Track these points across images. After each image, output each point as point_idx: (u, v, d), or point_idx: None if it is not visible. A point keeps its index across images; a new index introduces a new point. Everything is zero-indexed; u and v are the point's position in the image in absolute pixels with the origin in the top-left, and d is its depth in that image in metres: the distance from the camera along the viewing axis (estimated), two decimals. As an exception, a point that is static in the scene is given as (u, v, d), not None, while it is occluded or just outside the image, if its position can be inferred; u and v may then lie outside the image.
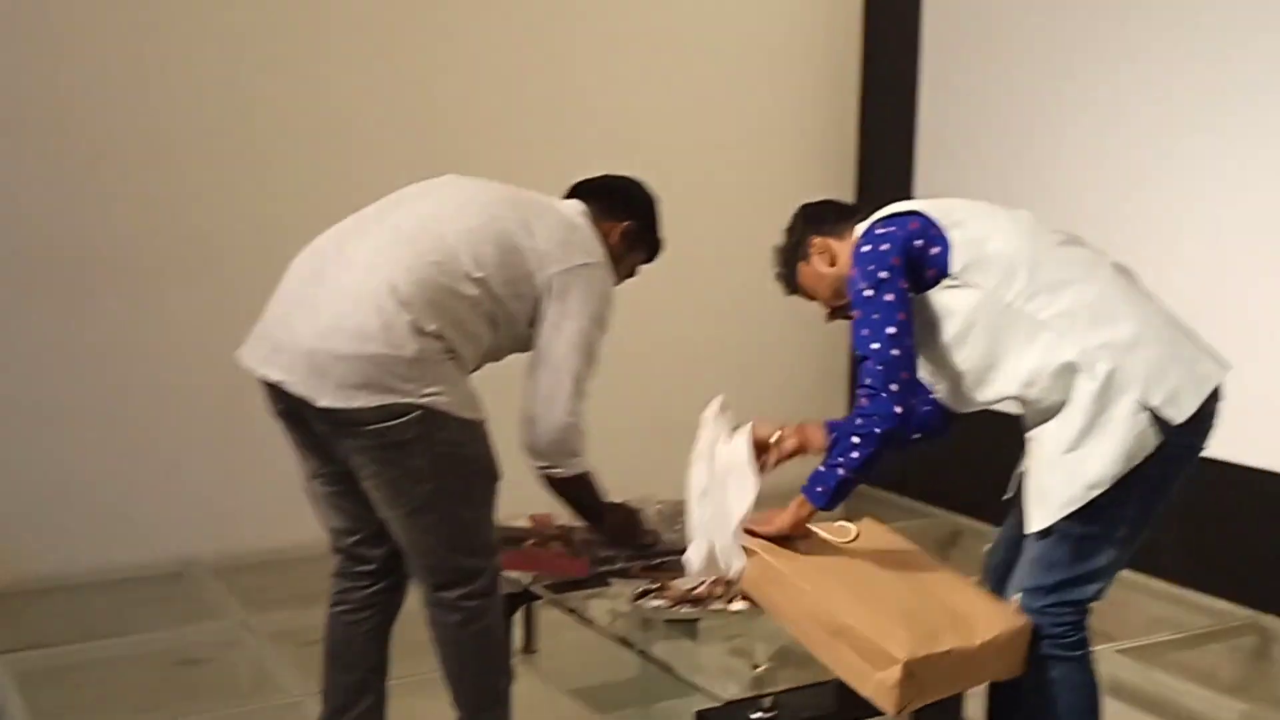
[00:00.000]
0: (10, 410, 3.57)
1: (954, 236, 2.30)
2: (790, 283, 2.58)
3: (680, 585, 2.69)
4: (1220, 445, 2.34)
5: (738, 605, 2.63)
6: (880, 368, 2.22)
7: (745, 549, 2.33)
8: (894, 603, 2.22)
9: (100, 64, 3.62)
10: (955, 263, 2.29)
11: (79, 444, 3.65)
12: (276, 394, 2.46)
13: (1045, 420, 2.29)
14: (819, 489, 2.29)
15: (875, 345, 2.23)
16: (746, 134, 4.54)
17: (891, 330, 2.23)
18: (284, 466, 3.67)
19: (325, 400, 2.36)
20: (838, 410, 4.75)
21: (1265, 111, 3.46)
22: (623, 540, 2.87)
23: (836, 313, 2.55)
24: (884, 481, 4.59)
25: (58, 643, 3.36)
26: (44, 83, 3.55)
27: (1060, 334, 2.25)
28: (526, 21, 4.16)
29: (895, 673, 2.08)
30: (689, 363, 4.56)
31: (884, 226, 2.34)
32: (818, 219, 2.54)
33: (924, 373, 2.40)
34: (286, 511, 3.76)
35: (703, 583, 2.68)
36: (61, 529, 3.64)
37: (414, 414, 2.37)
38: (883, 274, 2.26)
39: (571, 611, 2.76)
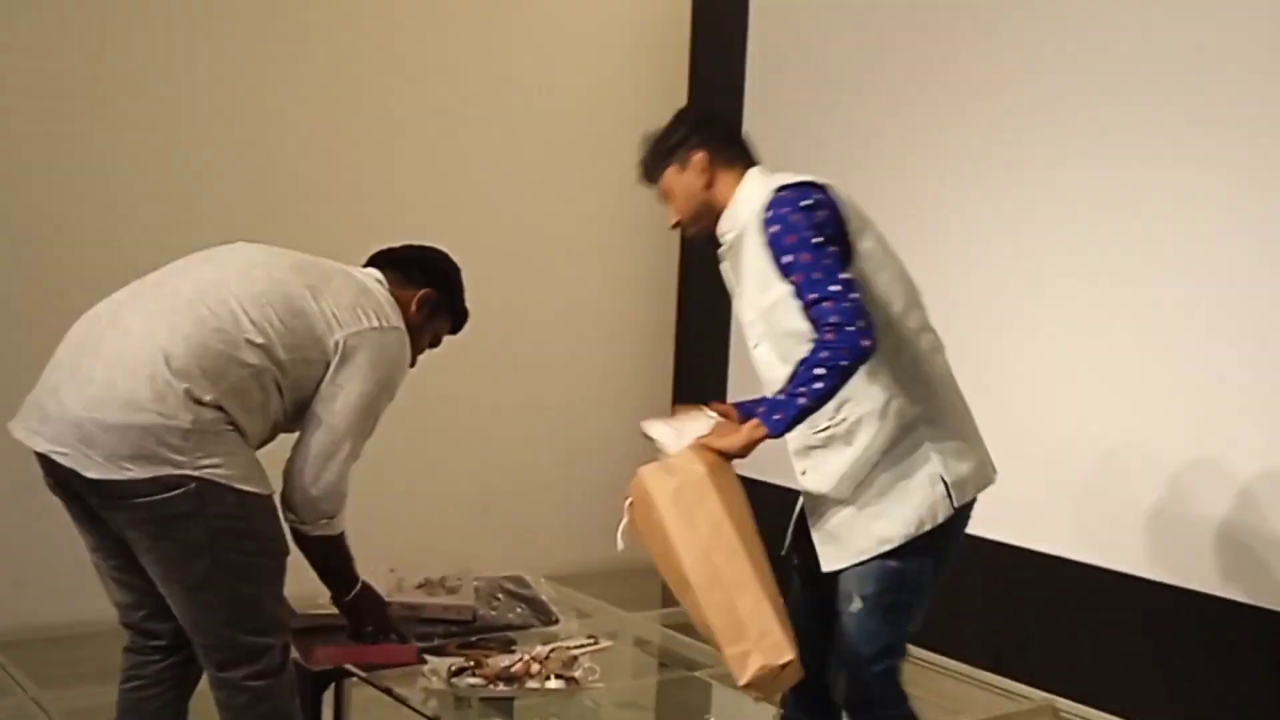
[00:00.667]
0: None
1: (862, 246, 2.37)
2: (652, 176, 2.53)
3: (496, 663, 2.67)
4: (1016, 531, 2.47)
5: (554, 684, 2.62)
6: (846, 305, 2.22)
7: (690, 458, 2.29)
8: (774, 587, 2.26)
9: None
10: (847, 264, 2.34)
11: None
12: (49, 465, 2.37)
13: (822, 448, 2.42)
14: (776, 416, 2.25)
15: (834, 288, 2.24)
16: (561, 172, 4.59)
17: (845, 277, 2.26)
18: (74, 537, 3.56)
19: (93, 472, 2.28)
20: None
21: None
22: (362, 617, 2.74)
23: (684, 227, 2.55)
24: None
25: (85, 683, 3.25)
26: None
27: (894, 378, 2.37)
28: (351, 53, 4.15)
29: (780, 661, 2.14)
30: (507, 435, 4.55)
31: (820, 192, 2.35)
32: (709, 134, 2.50)
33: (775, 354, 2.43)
34: (78, 585, 3.61)
35: (519, 660, 2.66)
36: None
37: (188, 486, 2.29)
38: (828, 232, 2.29)
39: (386, 691, 2.71)
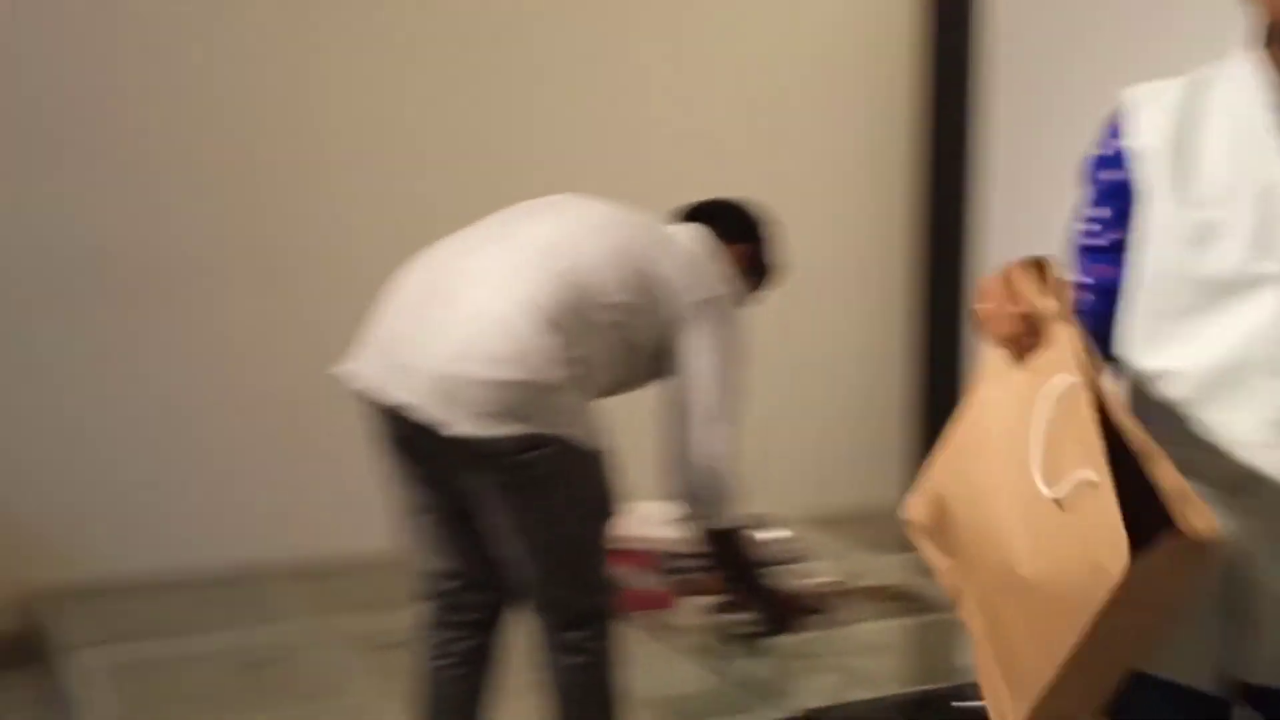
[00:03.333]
0: (92, 415, 3.65)
1: None
2: None
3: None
4: None
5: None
6: None
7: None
8: None
9: (166, 71, 3.68)
10: None
11: (149, 449, 3.73)
12: (394, 419, 2.30)
13: None
14: None
15: None
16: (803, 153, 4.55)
17: None
18: (350, 474, 3.77)
19: (456, 428, 2.20)
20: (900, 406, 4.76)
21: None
22: (777, 613, 2.62)
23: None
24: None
25: (128, 640, 3.42)
26: (107, 90, 3.62)
27: None
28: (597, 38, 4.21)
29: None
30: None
31: None
32: None
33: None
34: (351, 519, 3.84)
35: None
36: (139, 530, 3.71)
37: (551, 446, 2.23)
38: None
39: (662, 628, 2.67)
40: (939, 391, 4.62)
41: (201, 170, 3.73)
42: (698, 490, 2.39)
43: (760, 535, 3.06)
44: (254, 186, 3.80)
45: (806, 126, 4.51)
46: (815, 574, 2.89)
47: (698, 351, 2.37)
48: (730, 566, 2.54)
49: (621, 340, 2.35)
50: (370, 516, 3.71)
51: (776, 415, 4.51)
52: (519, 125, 4.08)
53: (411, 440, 2.31)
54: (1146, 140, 1.42)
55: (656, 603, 2.70)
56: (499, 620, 2.48)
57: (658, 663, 3.12)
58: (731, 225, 2.60)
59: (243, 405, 3.81)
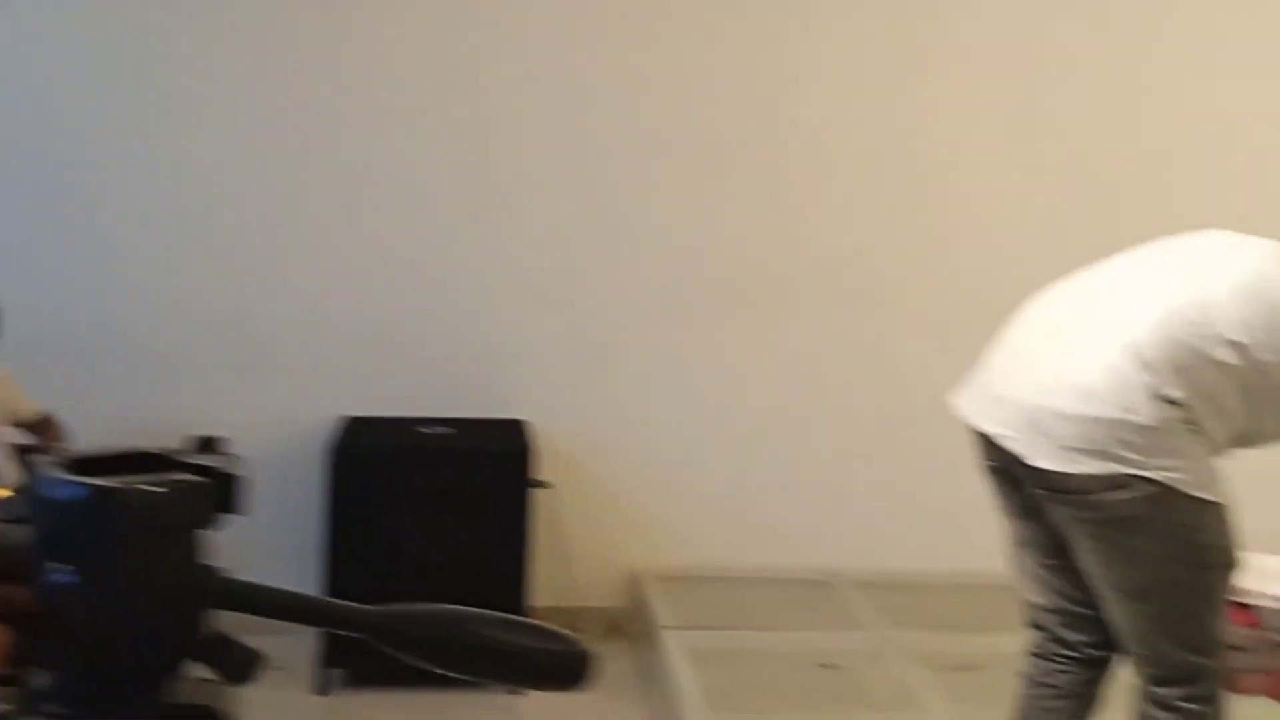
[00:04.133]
0: (687, 416, 3.97)
1: None
2: None
3: None
4: None
5: None
6: None
7: None
8: None
9: (782, 93, 3.90)
10: None
11: (747, 450, 3.99)
12: (989, 447, 2.31)
13: None
14: None
15: None
16: None
17: None
18: (939, 494, 3.83)
19: (1040, 460, 2.18)
20: None
21: None
22: None
23: None
24: None
25: (718, 626, 3.69)
26: (728, 116, 3.89)
27: None
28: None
29: None
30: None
31: None
32: None
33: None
34: (936, 537, 3.92)
35: None
36: (726, 525, 3.99)
37: (1141, 488, 2.13)
38: None
39: None
40: None
41: (842, 189, 3.94)
42: None
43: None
44: (856, 214, 3.96)
45: None
46: None
47: None
48: None
49: (1242, 384, 2.19)
50: (953, 538, 3.80)
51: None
52: (1171, 156, 3.95)
53: (1004, 470, 2.32)
54: None
55: None
56: (1106, 657, 2.41)
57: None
58: None
59: (842, 418, 3.99)
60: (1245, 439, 2.27)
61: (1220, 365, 2.17)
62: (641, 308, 3.92)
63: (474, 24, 3.78)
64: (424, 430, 3.66)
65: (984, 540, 3.66)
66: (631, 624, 3.89)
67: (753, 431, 3.97)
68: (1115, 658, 2.40)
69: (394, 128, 3.81)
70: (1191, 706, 2.25)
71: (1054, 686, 2.43)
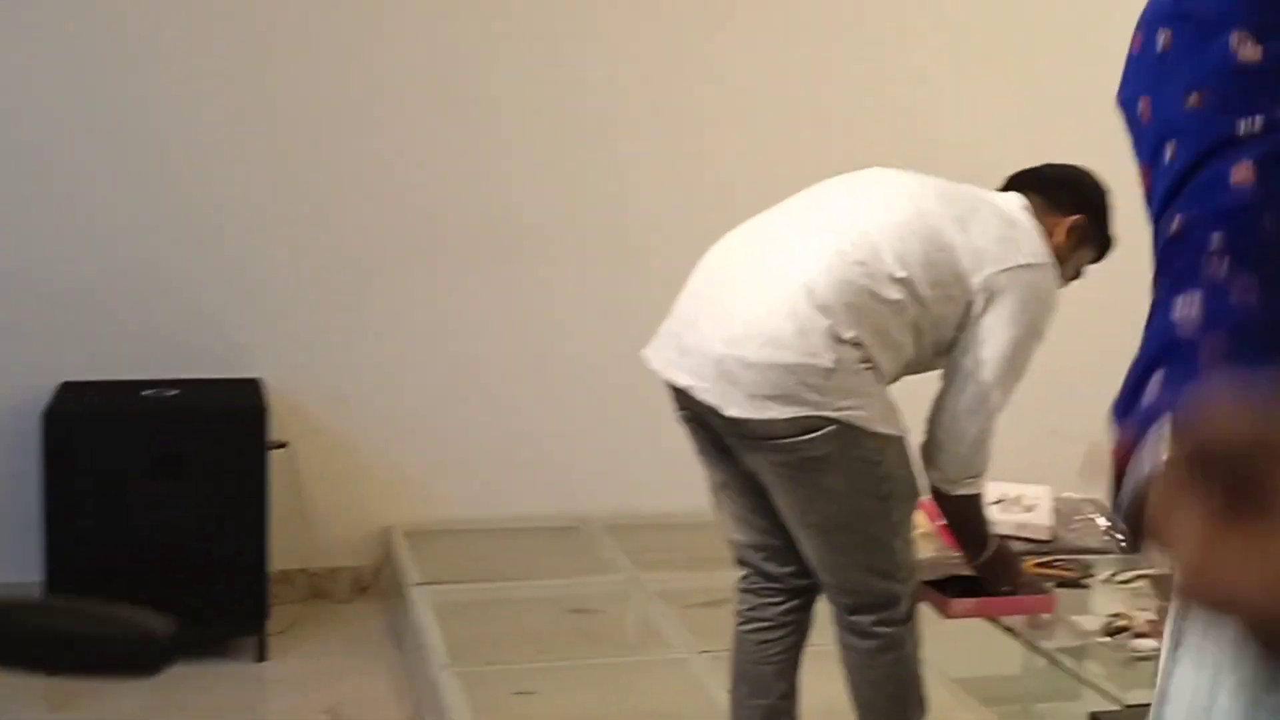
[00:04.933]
0: (431, 366, 3.90)
1: None
2: None
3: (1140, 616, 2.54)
4: None
5: None
6: None
7: None
8: None
9: (529, 45, 3.86)
10: None
11: (501, 402, 3.95)
12: (683, 398, 2.36)
13: None
14: None
15: None
16: None
17: None
18: (678, 434, 3.87)
19: (733, 410, 2.22)
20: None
21: None
22: (997, 576, 2.56)
23: None
24: None
25: (468, 580, 3.67)
26: (476, 63, 3.82)
27: None
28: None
29: None
30: (1076, 360, 4.37)
31: None
32: None
33: None
34: (676, 478, 3.96)
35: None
36: (478, 477, 3.95)
37: (829, 428, 2.20)
38: None
39: (1028, 644, 2.61)
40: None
41: (559, 144, 3.90)
42: (948, 462, 2.33)
43: (1095, 521, 2.97)
44: (608, 166, 3.95)
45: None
46: (1144, 564, 2.77)
47: (994, 322, 2.27)
48: (962, 533, 2.48)
49: (911, 319, 2.26)
50: (691, 478, 3.85)
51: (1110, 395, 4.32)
52: (852, 104, 4.06)
53: (698, 419, 2.36)
54: None
55: (1038, 607, 2.59)
56: (810, 585, 2.48)
57: (958, 638, 3.09)
58: (1061, 194, 2.45)
59: (582, 367, 3.98)
60: (910, 369, 2.36)
61: (888, 302, 2.23)
62: (379, 257, 3.81)
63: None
64: (147, 393, 3.48)
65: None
66: (381, 581, 3.83)
67: (496, 381, 3.94)
68: (818, 587, 2.47)
69: (97, 84, 3.59)
70: (887, 630, 2.34)
71: (764, 619, 2.48)
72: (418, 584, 3.49)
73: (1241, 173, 0.80)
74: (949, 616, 2.57)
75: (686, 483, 3.91)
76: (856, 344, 2.22)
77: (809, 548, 2.35)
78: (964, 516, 2.44)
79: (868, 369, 2.24)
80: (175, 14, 3.63)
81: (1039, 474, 3.00)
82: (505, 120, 3.85)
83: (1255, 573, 0.53)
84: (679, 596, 3.51)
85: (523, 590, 3.69)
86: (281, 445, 3.55)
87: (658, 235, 3.91)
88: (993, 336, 2.27)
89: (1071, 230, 2.43)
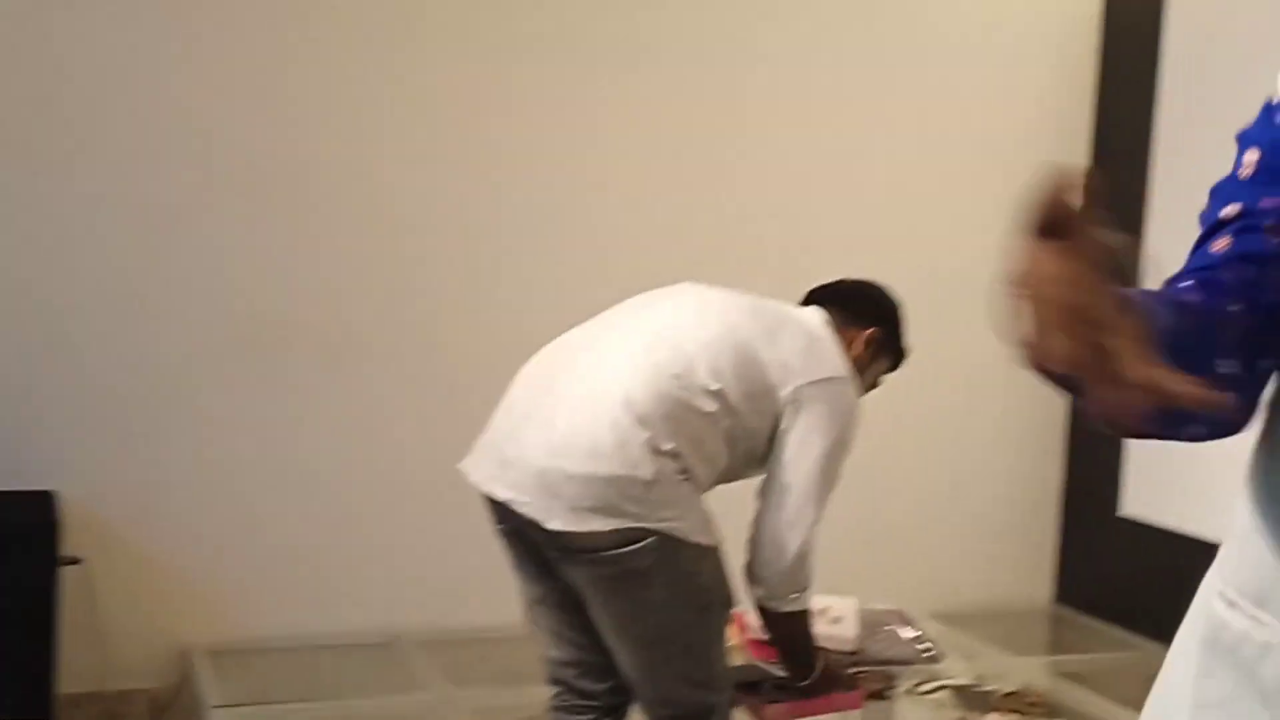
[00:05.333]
0: (246, 474, 3.78)
1: None
2: None
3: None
4: None
5: None
6: None
7: None
8: None
9: (346, 143, 3.80)
10: None
11: (306, 512, 3.83)
12: (502, 512, 2.35)
13: None
14: None
15: None
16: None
17: None
18: (491, 546, 3.83)
19: (555, 523, 2.23)
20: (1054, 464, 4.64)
21: None
22: (817, 688, 2.60)
23: None
24: (1083, 606, 4.46)
25: (273, 701, 3.52)
26: (268, 143, 3.74)
27: None
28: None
29: None
30: (897, 464, 4.48)
31: None
32: None
33: None
34: (492, 590, 3.90)
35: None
36: (284, 592, 3.82)
37: (649, 540, 2.22)
38: None
39: None
40: (1095, 485, 4.49)
41: (377, 247, 3.85)
42: (772, 576, 2.36)
43: (899, 632, 3.03)
44: (430, 268, 3.91)
45: (972, 202, 4.47)
46: (947, 675, 2.85)
47: (805, 434, 2.34)
48: (788, 650, 2.51)
49: (725, 430, 2.32)
50: (508, 591, 3.81)
51: (926, 505, 4.44)
52: (668, 206, 4.13)
53: (518, 532, 2.35)
54: None
55: (847, 704, 2.64)
56: (624, 703, 2.48)
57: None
58: (858, 307, 2.57)
59: (390, 476, 3.90)
60: (724, 478, 2.41)
61: (703, 414, 2.29)
62: (180, 364, 3.67)
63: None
64: (-73, 508, 3.28)
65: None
66: (179, 704, 3.65)
67: (307, 491, 3.82)
68: (630, 703, 2.48)
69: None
70: None
71: None
72: (218, 706, 3.33)
73: None
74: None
75: (503, 596, 3.88)
76: (675, 455, 2.26)
77: (627, 660, 2.34)
78: (792, 634, 2.47)
79: (685, 480, 2.28)
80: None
81: (846, 585, 3.06)
82: (323, 219, 3.78)
83: (1058, 268, 0.83)
84: (494, 714, 3.44)
85: (332, 710, 3.56)
86: (74, 561, 3.38)
87: (477, 344, 3.88)
88: (804, 449, 2.34)
89: (869, 342, 2.54)
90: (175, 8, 3.61)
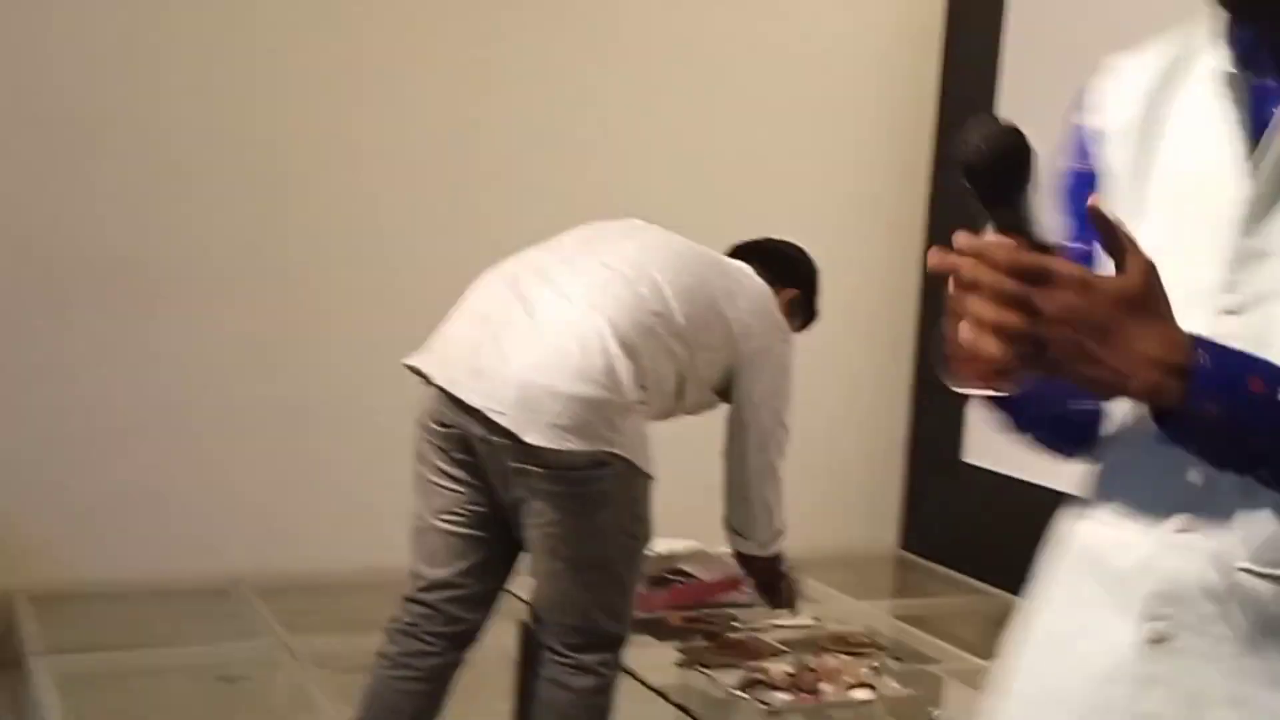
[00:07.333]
0: (69, 416, 3.62)
1: None
2: None
3: (775, 668, 2.71)
4: None
5: (862, 694, 2.63)
6: None
7: None
8: None
9: (193, 76, 3.67)
10: None
11: (136, 454, 3.69)
12: (451, 415, 2.32)
13: None
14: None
15: None
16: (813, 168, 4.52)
17: None
18: (334, 490, 3.77)
19: (531, 436, 2.23)
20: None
21: None
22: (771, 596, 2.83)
23: None
24: (928, 553, 4.56)
25: (102, 648, 3.39)
26: (137, 95, 3.60)
27: None
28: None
29: None
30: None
31: None
32: None
33: None
34: (333, 536, 3.82)
35: (805, 669, 2.70)
36: (114, 537, 3.68)
37: (616, 465, 2.27)
38: None
39: (661, 694, 2.73)
40: (938, 437, 4.57)
41: (220, 178, 3.71)
42: (755, 526, 2.55)
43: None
44: (274, 194, 3.78)
45: (816, 159, 4.48)
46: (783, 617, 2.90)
47: (766, 393, 2.49)
48: (769, 582, 2.72)
49: (681, 371, 2.41)
50: (352, 534, 3.74)
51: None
52: (537, 147, 4.05)
53: (467, 442, 2.33)
54: (1113, 118, 1.17)
55: (729, 587, 2.94)
56: (472, 642, 2.47)
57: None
58: (781, 268, 2.68)
59: (230, 416, 3.78)
60: (664, 415, 2.50)
61: (670, 353, 2.38)
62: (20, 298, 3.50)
63: None
64: None
65: (383, 537, 3.65)
66: (6, 650, 3.49)
67: (132, 432, 3.67)
68: (477, 641, 2.47)
69: None
70: (605, 670, 2.39)
71: (415, 669, 2.44)
72: (40, 653, 3.20)
73: None
74: (650, 609, 2.79)
75: (343, 542, 3.81)
76: (644, 387, 2.33)
77: (554, 583, 2.35)
78: (772, 570, 2.69)
79: (643, 409, 2.36)
80: None
81: (694, 530, 3.06)
82: (120, 153, 3.62)
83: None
84: (332, 660, 3.35)
85: (163, 658, 3.43)
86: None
87: (308, 273, 3.78)
88: (768, 409, 2.52)
89: (790, 303, 2.67)
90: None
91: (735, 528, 2.58)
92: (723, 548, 2.95)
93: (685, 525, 3.07)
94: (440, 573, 2.43)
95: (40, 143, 3.52)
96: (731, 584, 2.92)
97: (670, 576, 2.92)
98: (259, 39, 3.73)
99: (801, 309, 2.72)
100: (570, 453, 2.23)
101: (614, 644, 2.39)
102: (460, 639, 2.46)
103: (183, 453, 3.73)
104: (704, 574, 3.04)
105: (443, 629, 2.43)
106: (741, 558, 2.64)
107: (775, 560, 2.68)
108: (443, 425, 2.37)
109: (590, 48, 4.12)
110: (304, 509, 3.84)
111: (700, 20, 4.26)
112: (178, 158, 3.67)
